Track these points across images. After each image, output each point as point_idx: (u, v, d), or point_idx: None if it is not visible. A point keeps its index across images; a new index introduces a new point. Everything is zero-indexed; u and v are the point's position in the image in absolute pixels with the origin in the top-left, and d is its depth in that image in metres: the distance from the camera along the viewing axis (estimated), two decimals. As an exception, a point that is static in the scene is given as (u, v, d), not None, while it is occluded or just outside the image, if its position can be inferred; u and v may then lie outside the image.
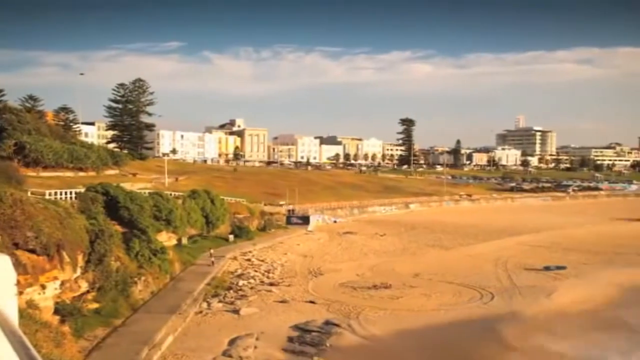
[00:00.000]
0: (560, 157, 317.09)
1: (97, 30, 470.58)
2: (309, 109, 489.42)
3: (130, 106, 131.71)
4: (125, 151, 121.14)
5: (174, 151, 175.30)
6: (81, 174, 74.40)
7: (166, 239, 51.32)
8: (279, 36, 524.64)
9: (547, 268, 57.66)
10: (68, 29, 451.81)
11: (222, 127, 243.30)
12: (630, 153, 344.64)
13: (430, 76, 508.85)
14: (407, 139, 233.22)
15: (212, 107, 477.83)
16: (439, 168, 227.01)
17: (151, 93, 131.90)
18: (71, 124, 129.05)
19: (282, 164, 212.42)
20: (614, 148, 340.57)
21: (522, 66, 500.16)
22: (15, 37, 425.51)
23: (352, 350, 32.44)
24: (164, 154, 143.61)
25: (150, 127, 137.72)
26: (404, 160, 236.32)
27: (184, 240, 56.73)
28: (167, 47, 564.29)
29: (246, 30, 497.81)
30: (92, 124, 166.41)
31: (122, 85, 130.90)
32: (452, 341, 34.18)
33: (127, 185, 59.97)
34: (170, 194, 61.11)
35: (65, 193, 48.00)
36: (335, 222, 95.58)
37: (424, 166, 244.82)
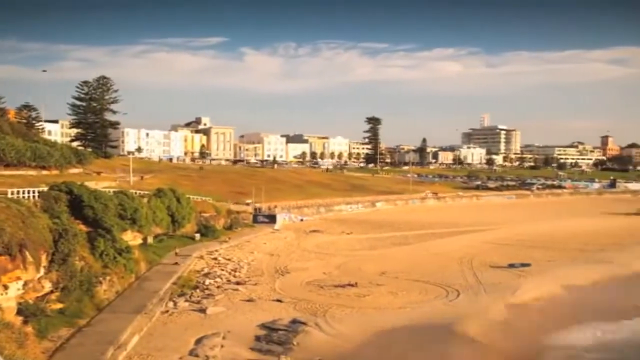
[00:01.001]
0: (525, 156, 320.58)
1: (131, 24, 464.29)
2: (315, 107, 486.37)
3: (94, 104, 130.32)
4: (90, 149, 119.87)
5: (139, 149, 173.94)
6: (44, 172, 73.30)
7: (131, 238, 50.80)
8: (327, 32, 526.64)
9: (511, 265, 58.36)
10: (99, 23, 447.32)
11: (187, 125, 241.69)
12: (593, 152, 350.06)
13: (461, 75, 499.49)
14: (373, 138, 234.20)
15: (226, 104, 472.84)
16: (405, 167, 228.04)
17: (115, 91, 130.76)
18: (34, 121, 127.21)
19: (248, 162, 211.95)
20: (576, 147, 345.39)
21: (550, 65, 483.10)
22: (42, 30, 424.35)
23: (319, 348, 32.46)
24: (128, 152, 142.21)
25: (114, 125, 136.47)
26: (370, 158, 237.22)
27: (150, 240, 56.21)
28: (207, 42, 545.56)
29: (294, 25, 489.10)
30: (56, 121, 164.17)
31: (85, 82, 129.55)
32: (419, 338, 34.40)
33: (92, 184, 59.25)
34: (136, 193, 60.49)
35: (28, 192, 47.11)
36: (302, 220, 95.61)
37: (389, 165, 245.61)
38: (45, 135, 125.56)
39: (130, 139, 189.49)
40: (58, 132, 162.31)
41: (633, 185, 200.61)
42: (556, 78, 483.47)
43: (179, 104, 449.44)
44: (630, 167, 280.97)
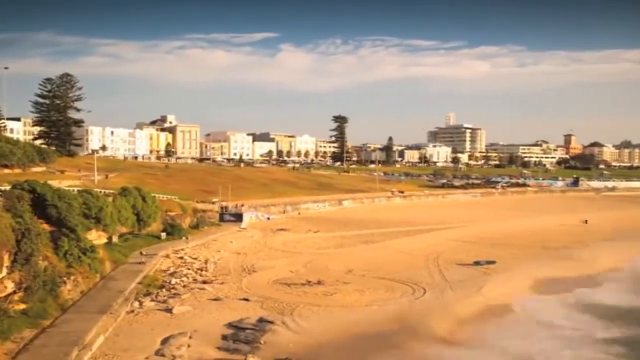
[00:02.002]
0: (490, 154, 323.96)
1: (179, 19, 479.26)
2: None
3: (58, 101, 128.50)
4: (53, 148, 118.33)
5: (103, 148, 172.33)
6: (6, 171, 72.40)
7: (96, 237, 50.35)
8: (379, 29, 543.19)
9: (477, 263, 58.97)
10: (144, 17, 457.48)
11: (153, 123, 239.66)
12: (556, 150, 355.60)
13: (490, 74, 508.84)
14: (340, 136, 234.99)
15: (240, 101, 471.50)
16: (372, 165, 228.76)
17: (79, 88, 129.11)
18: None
19: (214, 160, 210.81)
20: (540, 145, 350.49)
21: (579, 65, 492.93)
22: (80, 24, 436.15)
23: (287, 346, 32.47)
24: (93, 151, 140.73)
25: (78, 123, 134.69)
26: (337, 157, 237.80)
27: (115, 239, 55.61)
28: (250, 38, 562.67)
29: (347, 22, 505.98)
30: (18, 119, 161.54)
31: (49, 80, 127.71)
32: (385, 335, 34.62)
33: (55, 183, 58.63)
34: (100, 192, 60.01)
35: (-10, 191, 46.51)
36: (268, 219, 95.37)
37: (356, 163, 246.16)
38: (7, 133, 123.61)
39: (95, 137, 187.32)
40: (20, 129, 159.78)
41: (595, 184, 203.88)
42: (580, 78, 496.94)
43: (180, 101, 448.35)
44: (592, 166, 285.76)
